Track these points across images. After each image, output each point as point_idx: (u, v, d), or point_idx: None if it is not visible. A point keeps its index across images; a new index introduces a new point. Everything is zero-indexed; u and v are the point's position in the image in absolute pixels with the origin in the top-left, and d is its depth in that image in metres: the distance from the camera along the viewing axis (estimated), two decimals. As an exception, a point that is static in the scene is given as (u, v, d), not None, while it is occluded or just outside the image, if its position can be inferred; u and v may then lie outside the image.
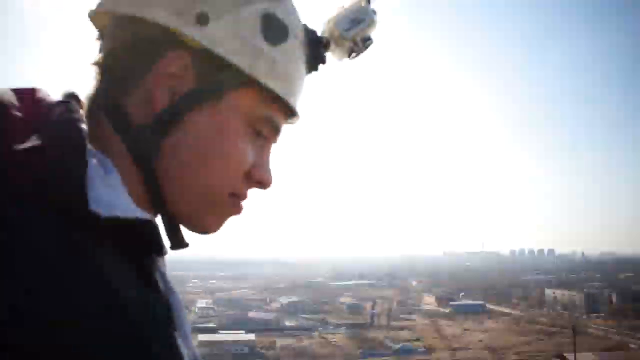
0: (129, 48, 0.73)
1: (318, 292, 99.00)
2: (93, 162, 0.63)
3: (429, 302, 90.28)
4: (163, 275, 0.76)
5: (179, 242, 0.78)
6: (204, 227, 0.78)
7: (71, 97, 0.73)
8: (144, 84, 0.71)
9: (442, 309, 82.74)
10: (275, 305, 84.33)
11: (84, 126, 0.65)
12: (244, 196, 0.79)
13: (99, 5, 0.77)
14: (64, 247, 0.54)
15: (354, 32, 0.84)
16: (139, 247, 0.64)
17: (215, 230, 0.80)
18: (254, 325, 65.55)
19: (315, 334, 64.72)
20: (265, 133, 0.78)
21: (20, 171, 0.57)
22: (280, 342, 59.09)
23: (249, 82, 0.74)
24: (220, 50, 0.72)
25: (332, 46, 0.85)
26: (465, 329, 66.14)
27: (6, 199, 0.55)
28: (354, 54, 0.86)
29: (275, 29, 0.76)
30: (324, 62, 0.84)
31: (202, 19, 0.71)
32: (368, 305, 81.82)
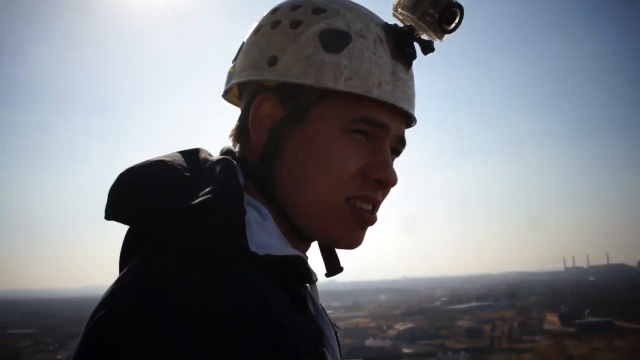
0: (242, 113, 0.90)
1: (435, 316, 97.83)
2: (251, 210, 0.76)
3: (551, 321, 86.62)
4: (315, 303, 0.85)
5: (333, 268, 0.91)
6: (344, 241, 0.85)
7: (228, 154, 0.87)
8: (250, 133, 0.86)
9: (566, 328, 79.17)
10: (391, 332, 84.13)
11: (240, 180, 0.77)
12: (367, 199, 0.84)
13: (227, 83, 0.94)
14: (233, 280, 0.65)
15: (420, 4, 0.85)
16: (291, 279, 0.75)
17: (357, 241, 0.85)
18: (372, 354, 65.81)
19: (435, 360, 64.07)
20: (372, 132, 0.83)
21: (195, 225, 0.69)
22: (400, 369, 59.00)
23: (326, 94, 0.82)
24: (290, 77, 0.82)
25: (418, 30, 0.87)
26: (593, 349, 63.01)
27: (191, 251, 0.68)
28: (446, 26, 0.86)
29: (334, 38, 0.83)
30: (412, 49, 0.87)
31: (272, 61, 0.84)
32: (488, 327, 79.87)
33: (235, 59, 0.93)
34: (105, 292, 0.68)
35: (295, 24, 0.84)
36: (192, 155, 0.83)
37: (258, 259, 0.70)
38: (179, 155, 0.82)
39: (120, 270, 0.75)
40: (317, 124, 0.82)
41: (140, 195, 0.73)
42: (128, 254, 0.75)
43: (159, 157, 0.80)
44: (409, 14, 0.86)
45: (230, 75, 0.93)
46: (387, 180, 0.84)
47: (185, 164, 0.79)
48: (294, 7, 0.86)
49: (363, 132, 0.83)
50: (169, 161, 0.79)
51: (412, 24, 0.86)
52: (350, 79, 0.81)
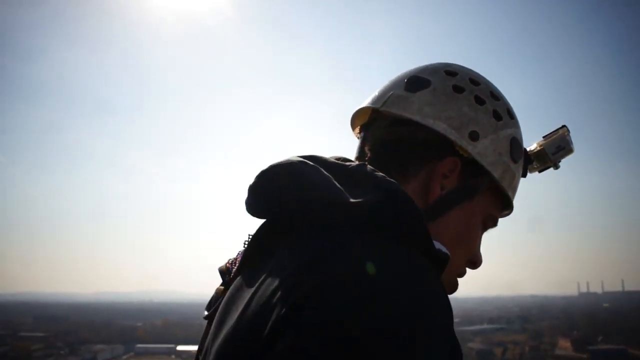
0: (406, 144, 0.94)
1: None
2: None
3: (564, 346, 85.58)
4: None
5: None
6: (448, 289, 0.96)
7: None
8: (420, 177, 0.92)
9: (578, 354, 78.23)
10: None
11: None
12: (463, 274, 1.00)
13: (385, 104, 0.98)
14: (431, 273, 0.72)
15: (558, 156, 1.07)
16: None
17: (450, 293, 0.96)
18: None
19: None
20: (488, 227, 1.01)
21: (368, 218, 0.75)
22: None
23: (494, 188, 0.96)
24: (484, 161, 0.93)
25: (535, 163, 1.08)
26: (606, 376, 62.08)
27: (378, 240, 0.73)
28: (543, 170, 1.10)
29: (517, 149, 0.99)
30: (526, 174, 1.05)
31: (473, 136, 0.93)
32: (499, 350, 79.11)
33: (410, 89, 0.97)
34: (282, 269, 0.72)
35: (498, 116, 0.97)
36: (316, 159, 0.87)
37: (438, 253, 0.77)
38: (302, 157, 0.87)
39: (252, 257, 0.84)
40: (476, 207, 0.96)
41: (301, 190, 0.79)
42: (266, 245, 0.82)
43: (291, 158, 0.85)
44: (546, 153, 1.07)
45: (404, 100, 0.96)
46: (479, 264, 1.01)
47: (317, 165, 0.84)
48: (493, 97, 0.99)
49: (484, 226, 1.01)
50: (305, 161, 0.84)
51: (538, 159, 1.08)
52: (512, 188, 1.00)
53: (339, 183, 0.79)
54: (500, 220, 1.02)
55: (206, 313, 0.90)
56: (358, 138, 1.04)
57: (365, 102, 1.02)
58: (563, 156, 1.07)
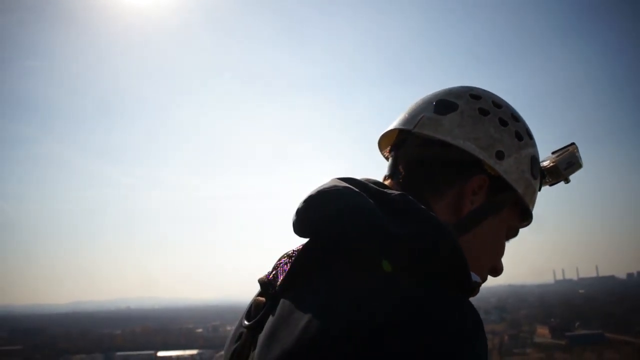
0: (439, 163, 1.02)
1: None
2: None
3: (542, 333, 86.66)
4: None
5: None
6: None
7: (381, 186, 0.97)
8: (452, 193, 1.01)
9: (557, 341, 79.26)
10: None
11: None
12: (485, 280, 1.08)
13: (418, 126, 1.05)
14: (472, 312, 0.79)
15: (569, 171, 1.15)
16: None
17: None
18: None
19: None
20: (509, 237, 1.11)
21: (412, 251, 0.82)
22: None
23: (517, 203, 1.06)
24: (509, 179, 1.02)
25: (547, 177, 1.16)
26: (584, 361, 63.01)
27: (414, 278, 0.80)
28: (554, 184, 1.18)
29: (536, 167, 1.09)
30: (540, 188, 1.14)
31: (499, 155, 1.02)
32: (478, 341, 79.56)
33: (439, 112, 1.05)
34: (313, 300, 0.81)
35: (520, 136, 1.06)
36: (357, 183, 0.94)
37: (473, 285, 0.86)
38: (341, 179, 0.95)
39: (299, 274, 0.89)
40: (503, 223, 1.06)
41: (349, 217, 0.85)
42: (313, 264, 0.88)
43: (337, 184, 0.92)
44: (558, 169, 1.15)
45: (435, 122, 1.04)
46: (501, 272, 1.12)
47: (361, 192, 0.91)
48: (514, 119, 1.08)
49: (507, 236, 1.10)
50: (351, 187, 0.91)
51: (551, 174, 1.16)
52: (533, 202, 1.10)
53: (380, 211, 0.86)
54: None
55: (246, 323, 0.93)
56: (386, 157, 1.14)
57: (396, 123, 1.09)
58: (573, 171, 1.16)
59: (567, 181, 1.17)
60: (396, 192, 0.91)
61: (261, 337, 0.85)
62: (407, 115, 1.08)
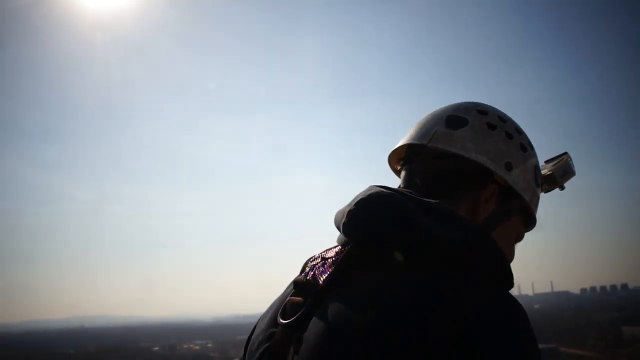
0: (454, 175, 1.10)
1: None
2: None
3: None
4: None
5: None
6: None
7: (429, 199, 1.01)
8: (467, 202, 1.08)
9: (513, 356, 79.70)
10: None
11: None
12: None
13: (432, 140, 1.12)
14: (520, 309, 0.86)
15: (564, 179, 1.27)
16: None
17: None
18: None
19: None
20: (517, 241, 1.19)
21: (463, 255, 0.89)
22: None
23: (524, 210, 1.15)
24: (517, 188, 1.10)
25: (544, 185, 1.25)
26: (540, 375, 63.63)
27: (462, 279, 0.86)
28: (549, 191, 1.29)
29: (539, 176, 1.18)
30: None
31: (508, 166, 1.10)
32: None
33: (451, 127, 1.12)
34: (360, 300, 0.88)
35: (524, 148, 1.14)
36: (398, 192, 1.00)
37: (512, 285, 0.92)
38: (381, 187, 1.02)
39: (343, 275, 0.94)
40: (512, 230, 1.15)
41: (401, 222, 0.91)
42: (359, 266, 0.93)
43: (382, 191, 0.98)
44: (554, 177, 1.27)
45: (448, 136, 1.11)
46: None
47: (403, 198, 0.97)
48: (518, 132, 1.15)
49: (515, 240, 1.19)
50: (400, 193, 0.98)
51: (548, 182, 1.27)
52: (537, 209, 1.18)
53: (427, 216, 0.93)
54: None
55: (283, 321, 0.96)
56: (397, 170, 1.23)
57: (408, 138, 1.16)
58: (568, 179, 1.28)
59: (562, 188, 1.27)
60: (434, 201, 0.97)
61: (311, 334, 0.88)
62: (419, 130, 1.15)
